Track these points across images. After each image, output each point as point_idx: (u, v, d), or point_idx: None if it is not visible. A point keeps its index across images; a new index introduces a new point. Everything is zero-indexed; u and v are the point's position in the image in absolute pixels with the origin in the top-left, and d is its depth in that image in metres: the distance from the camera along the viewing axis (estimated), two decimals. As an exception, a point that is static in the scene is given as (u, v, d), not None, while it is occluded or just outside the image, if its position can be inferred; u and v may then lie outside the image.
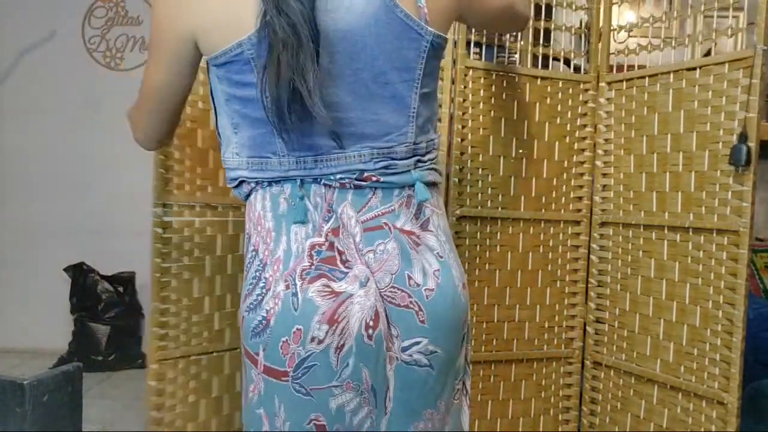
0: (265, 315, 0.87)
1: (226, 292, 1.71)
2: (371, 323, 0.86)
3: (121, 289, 3.46)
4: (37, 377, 0.87)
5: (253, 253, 0.92)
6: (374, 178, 0.91)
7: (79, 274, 3.42)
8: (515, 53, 1.88)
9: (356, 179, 0.91)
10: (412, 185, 0.95)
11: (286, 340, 0.85)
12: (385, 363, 0.89)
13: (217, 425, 1.67)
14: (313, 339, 0.84)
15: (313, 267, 0.87)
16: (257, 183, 0.93)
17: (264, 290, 0.88)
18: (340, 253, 0.88)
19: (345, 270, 0.87)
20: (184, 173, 1.60)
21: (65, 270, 3.45)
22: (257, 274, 0.90)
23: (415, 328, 0.90)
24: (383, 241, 0.91)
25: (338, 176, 0.90)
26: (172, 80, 1.00)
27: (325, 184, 0.90)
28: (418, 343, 0.91)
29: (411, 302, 0.90)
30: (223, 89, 0.93)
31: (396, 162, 0.93)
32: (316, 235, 0.88)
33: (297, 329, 0.85)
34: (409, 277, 0.91)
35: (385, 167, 0.92)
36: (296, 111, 0.82)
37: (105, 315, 3.37)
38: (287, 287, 0.86)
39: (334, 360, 0.85)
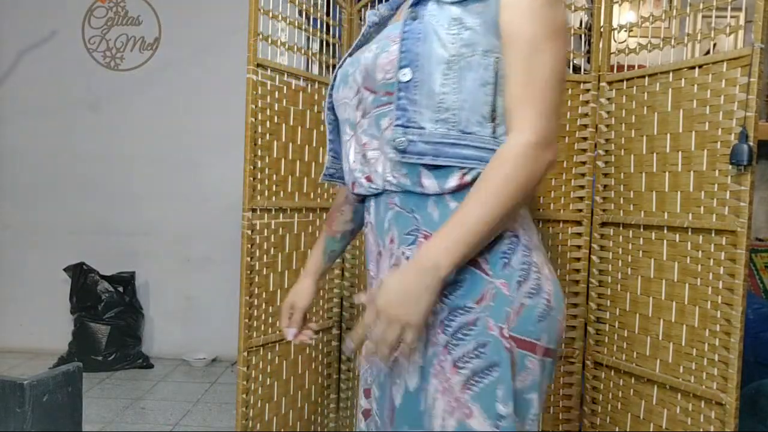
0: (547, 298, 0.94)
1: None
2: None
3: (121, 289, 3.46)
4: (37, 377, 0.86)
5: (514, 239, 0.95)
6: None
7: (79, 274, 3.42)
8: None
9: None
10: None
11: (561, 318, 0.97)
12: None
13: (287, 402, 2.03)
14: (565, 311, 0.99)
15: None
16: None
17: (539, 274, 0.95)
18: None
19: None
20: (265, 180, 1.86)
21: (65, 270, 3.45)
22: (526, 259, 0.94)
23: None
24: None
25: None
26: None
27: None
28: None
29: None
30: None
31: None
32: None
33: (564, 305, 0.98)
34: None
35: None
36: None
37: (105, 315, 3.37)
38: (549, 271, 0.97)
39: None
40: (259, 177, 1.82)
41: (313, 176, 2.02)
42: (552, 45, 0.91)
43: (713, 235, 1.56)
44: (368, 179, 1.00)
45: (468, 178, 0.93)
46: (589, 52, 1.91)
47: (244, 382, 1.83)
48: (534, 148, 0.88)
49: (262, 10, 1.79)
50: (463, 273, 0.92)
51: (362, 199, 1.10)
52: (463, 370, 0.90)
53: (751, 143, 1.46)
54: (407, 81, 0.93)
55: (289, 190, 1.94)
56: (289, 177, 1.93)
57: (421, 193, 0.95)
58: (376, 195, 1.02)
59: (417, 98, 0.93)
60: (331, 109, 1.11)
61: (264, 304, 1.89)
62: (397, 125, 0.94)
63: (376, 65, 0.96)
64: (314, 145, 2.01)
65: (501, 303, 0.91)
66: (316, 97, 2.01)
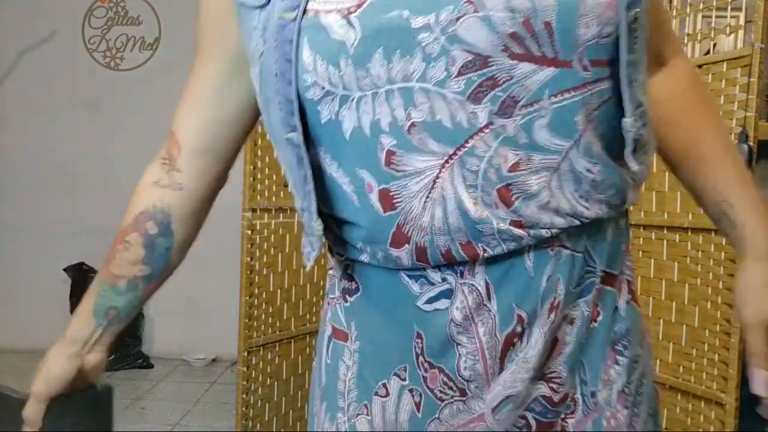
0: None
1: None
2: None
3: (121, 289, 3.46)
4: (63, 399, 0.72)
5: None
6: None
7: (79, 274, 3.42)
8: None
9: None
10: None
11: None
12: None
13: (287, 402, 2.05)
14: None
15: None
16: None
17: None
18: None
19: None
20: (265, 180, 1.89)
21: (65, 270, 3.45)
22: None
23: None
24: None
25: None
26: None
27: None
28: None
29: None
30: None
31: None
32: None
33: None
34: None
35: None
36: None
37: (105, 315, 3.38)
38: None
39: None
40: (259, 177, 1.82)
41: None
42: None
43: (713, 235, 1.56)
44: (521, 225, 0.57)
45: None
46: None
47: (244, 382, 1.84)
48: None
49: (261, 10, 1.79)
50: (627, 312, 0.67)
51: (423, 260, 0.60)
52: None
53: (751, 143, 1.46)
54: (639, 31, 0.56)
55: (289, 189, 1.95)
56: (289, 177, 1.94)
57: (606, 218, 0.63)
58: (517, 250, 0.58)
59: (640, 58, 0.58)
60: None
61: (264, 304, 1.89)
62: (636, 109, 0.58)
63: (579, 11, 0.52)
64: (314, 145, 2.02)
65: (649, 336, 0.72)
66: (315, 97, 2.01)
